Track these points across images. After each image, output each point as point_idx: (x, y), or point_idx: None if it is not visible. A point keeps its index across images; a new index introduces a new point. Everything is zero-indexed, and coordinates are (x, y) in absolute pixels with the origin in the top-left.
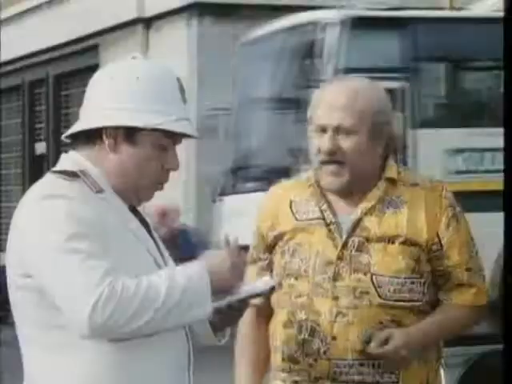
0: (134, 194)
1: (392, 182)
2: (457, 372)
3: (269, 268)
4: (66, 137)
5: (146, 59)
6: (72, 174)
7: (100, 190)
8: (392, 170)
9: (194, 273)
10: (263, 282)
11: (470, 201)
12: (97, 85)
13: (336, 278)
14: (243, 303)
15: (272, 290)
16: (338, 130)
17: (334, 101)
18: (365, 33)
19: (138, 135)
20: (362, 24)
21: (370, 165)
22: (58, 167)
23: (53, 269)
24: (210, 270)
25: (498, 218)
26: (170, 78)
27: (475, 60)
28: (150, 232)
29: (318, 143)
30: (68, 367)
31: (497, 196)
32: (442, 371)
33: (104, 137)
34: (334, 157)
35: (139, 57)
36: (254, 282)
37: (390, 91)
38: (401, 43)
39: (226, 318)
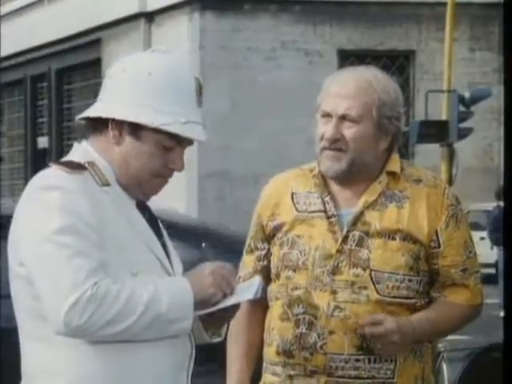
0: (137, 187)
1: (394, 175)
2: (458, 366)
3: (266, 258)
4: (80, 120)
5: (165, 54)
6: (77, 166)
7: (106, 184)
8: (395, 164)
9: (178, 287)
10: (251, 286)
11: None
12: (111, 75)
13: (335, 271)
14: (231, 308)
15: (260, 292)
16: (343, 118)
17: (342, 89)
18: None
19: (142, 132)
20: None
21: (371, 157)
22: (66, 158)
23: (39, 260)
24: (193, 283)
25: None
26: (186, 77)
27: None
28: (158, 230)
29: (322, 129)
30: (59, 360)
31: None
32: (444, 365)
33: (109, 128)
34: (336, 144)
35: (159, 50)
36: (243, 284)
37: None
38: None
39: (213, 320)
